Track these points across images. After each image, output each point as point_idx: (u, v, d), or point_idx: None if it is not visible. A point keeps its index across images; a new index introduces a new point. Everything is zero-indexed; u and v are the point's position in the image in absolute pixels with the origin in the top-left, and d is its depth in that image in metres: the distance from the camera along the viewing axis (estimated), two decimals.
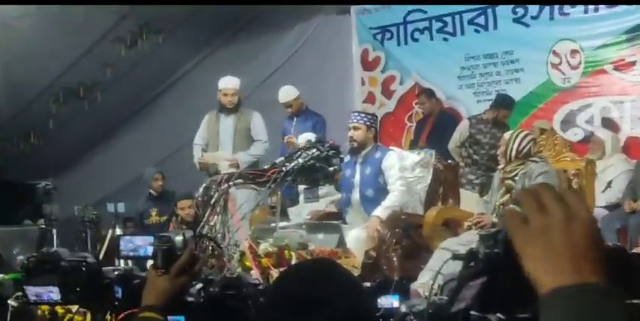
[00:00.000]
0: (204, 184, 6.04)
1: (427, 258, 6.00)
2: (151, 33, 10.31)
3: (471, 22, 9.80)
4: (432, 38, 10.21)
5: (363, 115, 7.33)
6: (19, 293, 3.04)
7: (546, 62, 9.15)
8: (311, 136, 7.64)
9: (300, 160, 5.98)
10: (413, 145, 9.18)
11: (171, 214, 8.48)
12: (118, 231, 8.75)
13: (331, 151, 6.08)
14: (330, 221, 7.08)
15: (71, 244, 8.57)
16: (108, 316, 2.95)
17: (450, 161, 8.02)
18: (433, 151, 7.56)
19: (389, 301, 3.29)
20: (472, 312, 1.37)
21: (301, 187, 7.68)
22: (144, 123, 11.59)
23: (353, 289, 1.84)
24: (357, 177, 7.02)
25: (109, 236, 8.58)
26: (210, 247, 5.37)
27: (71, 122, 10.96)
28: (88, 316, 3.48)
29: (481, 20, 9.72)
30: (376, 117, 7.57)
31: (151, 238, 2.44)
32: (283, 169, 5.92)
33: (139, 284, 2.36)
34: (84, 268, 2.73)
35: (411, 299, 3.69)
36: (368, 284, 3.68)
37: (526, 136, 6.48)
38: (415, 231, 6.62)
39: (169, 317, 2.23)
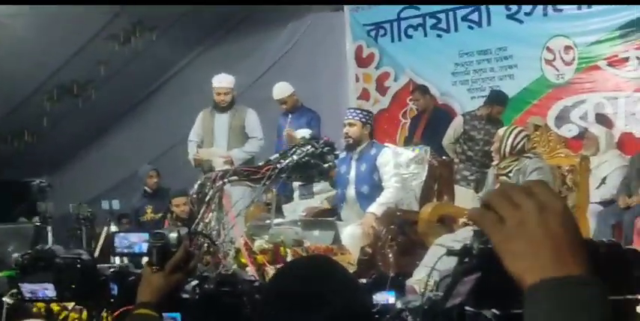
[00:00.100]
0: (198, 181, 6.05)
1: (422, 254, 6.00)
2: (145, 30, 10.29)
3: (464, 18, 9.81)
4: (425, 35, 10.21)
5: (358, 111, 7.33)
6: (14, 290, 3.03)
7: (540, 58, 9.16)
8: (306, 133, 7.64)
9: (295, 157, 5.99)
10: (407, 142, 9.18)
11: (166, 211, 8.47)
12: (113, 228, 8.73)
13: (326, 148, 6.09)
14: (326, 218, 7.09)
15: (66, 241, 8.57)
16: (104, 314, 2.95)
17: (444, 157, 8.03)
18: (428, 148, 7.57)
19: (384, 298, 3.29)
20: (467, 307, 1.37)
21: (296, 184, 7.69)
22: (138, 120, 11.59)
23: (349, 286, 1.84)
24: (353, 173, 7.02)
25: (103, 233, 8.56)
26: (206, 244, 5.37)
27: (65, 120, 10.95)
28: (84, 313, 3.47)
29: (475, 17, 9.72)
30: (371, 114, 7.56)
31: (145, 235, 2.44)
32: (278, 165, 5.93)
33: (135, 281, 2.36)
34: (79, 265, 2.73)
35: (407, 295, 3.69)
36: (363, 281, 3.69)
37: (520, 132, 6.48)
38: (410, 227, 6.63)
39: (165, 314, 2.23)
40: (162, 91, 11.66)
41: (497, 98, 8.63)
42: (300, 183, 7.43)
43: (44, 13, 9.12)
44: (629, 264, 1.49)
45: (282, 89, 8.74)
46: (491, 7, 9.54)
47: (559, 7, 9.04)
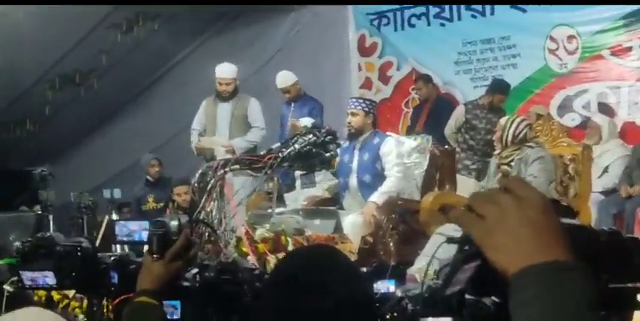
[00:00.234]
0: (200, 170, 6.04)
1: (423, 243, 5.99)
2: (147, 19, 10.27)
3: (468, 7, 9.78)
4: (429, 24, 10.19)
5: (361, 100, 7.31)
6: (15, 278, 3.04)
7: (543, 48, 9.15)
8: (309, 122, 7.64)
9: (297, 146, 5.97)
10: (410, 131, 9.17)
11: (167, 200, 8.48)
12: (114, 217, 8.75)
13: (328, 137, 6.07)
14: (327, 207, 7.08)
15: (67, 230, 8.58)
16: (104, 302, 2.95)
17: (446, 147, 8.02)
18: (430, 137, 7.56)
19: (385, 286, 3.29)
20: (467, 295, 1.37)
21: (298, 173, 7.68)
22: (140, 109, 11.57)
23: (351, 275, 1.85)
24: (355, 162, 7.01)
25: (105, 222, 8.58)
26: (207, 233, 5.37)
27: (67, 109, 10.94)
28: (85, 301, 3.48)
29: (478, 6, 9.69)
30: (374, 103, 7.53)
31: (145, 223, 2.44)
32: (280, 154, 5.92)
33: (135, 269, 2.36)
34: (79, 253, 2.73)
35: (407, 284, 3.69)
36: (364, 269, 3.68)
37: (522, 121, 6.48)
38: (412, 216, 6.62)
39: (165, 302, 2.23)
40: (164, 80, 11.64)
41: (498, 87, 8.62)
42: (301, 172, 7.42)
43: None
44: (630, 252, 1.49)
45: (285, 78, 8.73)
46: None
47: None
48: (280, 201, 7.45)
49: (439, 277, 2.34)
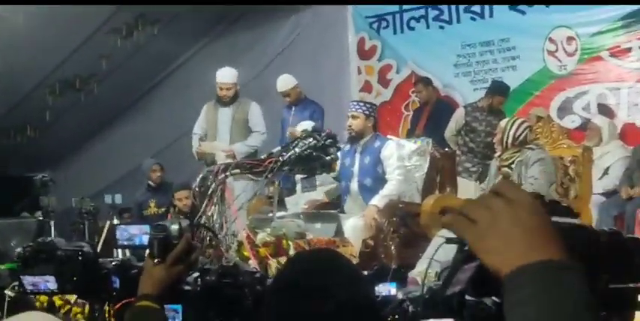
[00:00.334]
0: (201, 175, 6.04)
1: (425, 246, 5.99)
2: (147, 24, 10.27)
3: (467, 9, 9.78)
4: (428, 26, 10.19)
5: (362, 104, 7.32)
6: (16, 283, 3.03)
7: (542, 49, 9.15)
8: (309, 125, 7.64)
9: (297, 150, 5.98)
10: (410, 134, 9.17)
11: (169, 205, 8.47)
12: (116, 222, 8.74)
13: (328, 140, 6.07)
14: (328, 210, 7.08)
15: (69, 235, 8.57)
16: (106, 307, 2.95)
17: (446, 149, 8.02)
18: (430, 140, 7.56)
19: (386, 289, 3.29)
20: (467, 295, 1.37)
21: (298, 177, 7.68)
22: (141, 114, 11.58)
23: (354, 278, 1.85)
24: (357, 166, 7.01)
25: (106, 228, 8.57)
26: (208, 237, 5.37)
27: (68, 114, 10.94)
28: (87, 307, 3.48)
29: (477, 8, 9.70)
30: (375, 106, 7.53)
31: (146, 227, 2.44)
32: (280, 158, 5.92)
33: (137, 274, 2.36)
34: (80, 258, 2.73)
35: (409, 287, 3.69)
36: (365, 273, 3.68)
37: (522, 123, 6.48)
38: (412, 219, 6.62)
39: (166, 306, 2.23)
40: (164, 84, 11.64)
41: (497, 89, 8.62)
42: (302, 176, 7.42)
43: (46, 7, 9.10)
44: (631, 252, 1.49)
45: (285, 82, 8.74)
46: None
47: None
48: (281, 205, 7.45)
49: (440, 279, 2.34)
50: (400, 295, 2.79)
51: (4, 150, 10.97)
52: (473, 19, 9.78)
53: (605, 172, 7.72)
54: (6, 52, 9.43)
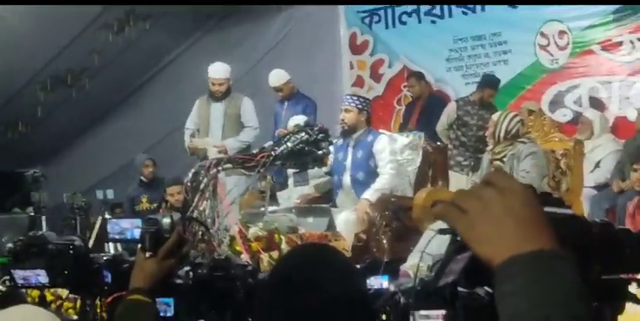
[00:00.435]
0: (193, 170, 6.03)
1: (417, 240, 5.99)
2: (138, 19, 10.25)
3: (458, 4, 9.77)
4: (420, 21, 10.18)
5: (355, 98, 7.31)
6: (7, 277, 3.03)
7: (534, 43, 9.15)
8: (301, 120, 7.63)
9: (289, 144, 5.98)
10: (402, 128, 9.17)
11: (161, 200, 8.46)
12: (108, 217, 8.73)
13: (320, 135, 6.07)
14: (320, 205, 7.08)
15: (60, 231, 8.55)
16: (97, 301, 2.94)
17: (438, 143, 8.02)
18: (422, 134, 7.56)
19: (378, 282, 3.29)
20: (460, 286, 1.36)
21: (290, 171, 7.67)
22: (132, 109, 11.55)
23: (346, 273, 1.86)
24: (349, 160, 7.01)
25: (98, 223, 8.56)
26: (200, 232, 5.36)
27: (59, 110, 10.91)
28: (78, 302, 3.46)
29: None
30: (368, 100, 7.52)
31: (138, 221, 2.43)
32: (272, 153, 5.92)
33: (128, 269, 2.35)
34: (71, 251, 2.72)
35: (400, 279, 3.70)
36: (358, 266, 3.68)
37: (514, 117, 6.49)
38: (405, 213, 6.62)
39: (158, 299, 2.23)
40: (156, 79, 11.62)
41: (488, 82, 8.62)
42: (294, 170, 7.41)
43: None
44: (622, 243, 1.49)
45: (277, 77, 8.72)
46: None
47: None
48: (273, 199, 7.44)
49: (432, 271, 2.34)
50: (392, 288, 2.79)
51: None
52: (464, 13, 9.78)
53: (597, 165, 7.73)
54: None
